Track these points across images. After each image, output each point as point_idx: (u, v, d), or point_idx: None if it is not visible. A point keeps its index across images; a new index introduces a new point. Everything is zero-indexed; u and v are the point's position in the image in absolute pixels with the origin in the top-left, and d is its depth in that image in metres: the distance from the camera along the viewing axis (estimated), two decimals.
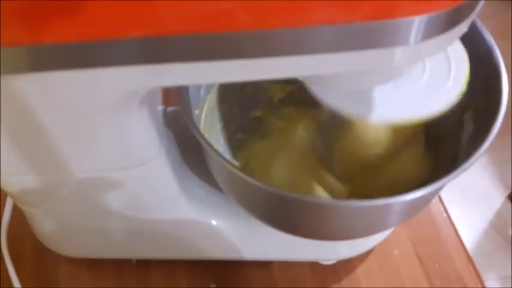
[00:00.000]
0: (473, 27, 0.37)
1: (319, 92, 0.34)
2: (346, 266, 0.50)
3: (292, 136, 0.47)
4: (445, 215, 0.54)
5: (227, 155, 0.48)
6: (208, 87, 0.47)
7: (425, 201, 0.40)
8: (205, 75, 0.26)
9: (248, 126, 0.49)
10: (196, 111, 0.45)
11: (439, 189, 0.34)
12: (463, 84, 0.34)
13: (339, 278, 0.50)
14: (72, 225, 0.44)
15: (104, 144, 0.34)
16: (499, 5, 1.61)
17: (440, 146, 0.43)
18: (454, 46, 0.36)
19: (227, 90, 0.48)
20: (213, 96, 0.47)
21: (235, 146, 0.48)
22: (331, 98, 0.34)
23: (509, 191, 1.29)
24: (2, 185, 0.38)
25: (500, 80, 0.36)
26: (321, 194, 0.43)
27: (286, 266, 0.50)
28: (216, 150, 0.34)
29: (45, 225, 0.45)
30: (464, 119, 0.39)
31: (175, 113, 0.43)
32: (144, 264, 0.50)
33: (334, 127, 0.44)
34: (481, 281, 0.50)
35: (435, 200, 0.54)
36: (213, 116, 0.48)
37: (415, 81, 0.34)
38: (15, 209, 0.47)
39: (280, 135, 0.47)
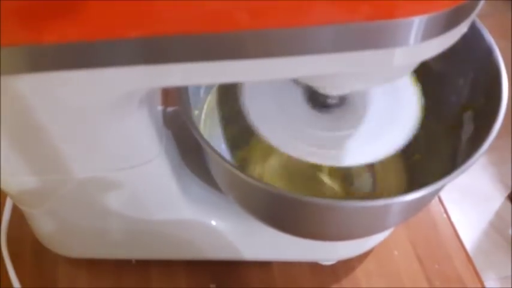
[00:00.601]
0: (473, 28, 0.37)
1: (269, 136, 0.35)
2: (346, 267, 0.50)
3: None
4: (444, 215, 0.54)
5: (226, 155, 0.48)
6: (208, 88, 0.47)
7: (425, 201, 0.40)
8: (205, 76, 0.26)
9: (248, 126, 0.49)
10: (196, 112, 0.45)
11: (439, 189, 0.34)
12: (416, 117, 0.35)
13: (339, 278, 0.50)
14: (72, 226, 0.44)
15: (103, 144, 0.34)
16: (499, 5, 1.61)
17: (440, 146, 0.43)
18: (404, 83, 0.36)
19: (227, 90, 0.48)
20: (212, 96, 0.47)
21: (234, 146, 0.48)
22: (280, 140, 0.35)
23: (509, 191, 1.29)
24: (1, 185, 0.38)
25: (500, 80, 0.36)
26: (322, 192, 0.43)
27: (286, 266, 0.50)
28: (215, 150, 0.34)
29: (45, 226, 0.45)
30: (464, 119, 0.39)
31: (174, 113, 0.43)
32: (144, 265, 0.50)
33: None
34: (481, 281, 0.50)
35: (435, 201, 0.54)
36: (213, 117, 0.48)
37: (363, 120, 0.35)
38: (15, 209, 0.47)
39: None
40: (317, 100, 0.37)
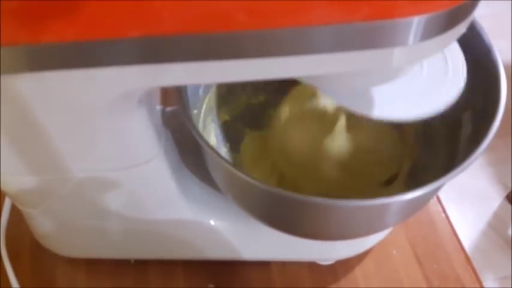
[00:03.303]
0: (471, 28, 0.37)
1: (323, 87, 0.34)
2: (345, 266, 0.50)
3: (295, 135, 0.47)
4: (443, 215, 0.54)
5: (225, 155, 0.48)
6: (207, 87, 0.47)
7: (423, 201, 0.40)
8: (204, 75, 0.26)
9: (247, 126, 0.49)
10: (195, 111, 0.45)
11: (438, 189, 0.34)
12: (461, 82, 0.34)
13: (337, 278, 0.50)
14: (71, 225, 0.44)
15: (103, 144, 0.34)
16: (498, 5, 1.61)
17: (439, 145, 0.43)
18: (450, 47, 0.36)
19: (226, 90, 0.48)
20: (211, 96, 0.47)
21: (234, 145, 0.48)
22: (333, 92, 0.34)
23: (507, 191, 1.29)
24: (1, 185, 0.38)
25: (498, 80, 0.36)
26: (322, 188, 0.43)
27: (285, 266, 0.50)
28: (214, 150, 0.34)
29: (44, 225, 0.45)
30: (462, 119, 0.39)
31: (173, 113, 0.43)
32: (143, 265, 0.50)
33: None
34: (479, 282, 0.50)
35: (433, 200, 0.55)
36: (212, 116, 0.48)
37: (413, 80, 0.34)
38: (14, 209, 0.47)
39: (283, 133, 0.47)
40: None
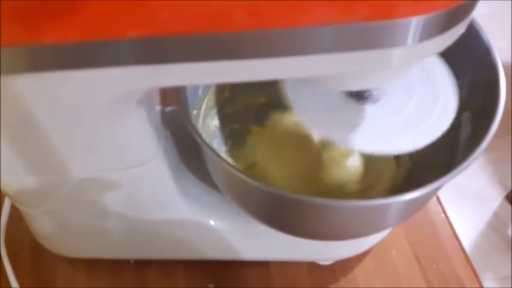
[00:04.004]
0: (471, 28, 0.37)
1: (306, 118, 0.34)
2: (344, 266, 0.50)
3: (294, 135, 0.47)
4: (443, 215, 0.54)
5: (225, 155, 0.48)
6: (206, 87, 0.47)
7: (423, 201, 0.40)
8: (204, 76, 0.26)
9: (247, 125, 0.49)
10: (194, 111, 0.45)
11: (437, 189, 0.34)
12: (451, 114, 0.34)
13: (337, 278, 0.50)
14: (70, 226, 0.44)
15: (102, 144, 0.34)
16: (498, 5, 1.61)
17: (438, 146, 0.43)
18: (439, 69, 0.36)
19: (225, 90, 0.48)
20: (211, 96, 0.47)
21: (233, 145, 0.48)
22: (317, 123, 0.34)
23: (507, 192, 1.29)
24: (0, 185, 0.38)
25: (498, 80, 0.36)
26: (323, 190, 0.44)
27: (284, 266, 0.50)
28: (213, 150, 0.34)
29: (43, 225, 0.45)
30: (462, 119, 0.39)
31: (173, 113, 0.43)
32: (142, 265, 0.50)
33: None
34: (479, 282, 0.50)
35: (433, 200, 0.55)
36: (211, 116, 0.48)
37: (402, 109, 0.34)
38: (14, 210, 0.47)
39: (282, 133, 0.47)
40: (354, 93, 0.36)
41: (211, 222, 0.45)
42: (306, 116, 0.34)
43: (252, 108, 0.49)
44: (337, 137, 0.34)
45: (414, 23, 0.23)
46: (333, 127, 0.34)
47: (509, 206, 1.27)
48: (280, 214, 0.38)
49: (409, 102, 0.35)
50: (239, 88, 0.49)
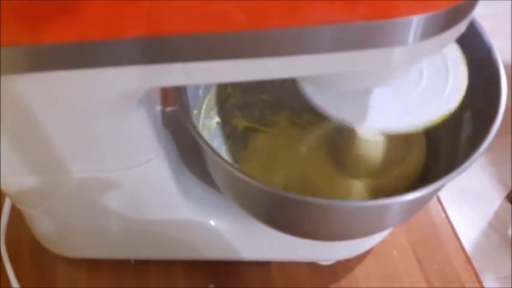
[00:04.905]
0: (471, 28, 0.37)
1: (317, 99, 0.34)
2: (345, 267, 0.50)
3: (296, 134, 0.47)
4: (443, 215, 0.54)
5: (225, 155, 0.48)
6: (207, 87, 0.47)
7: (424, 201, 0.40)
8: (204, 76, 0.26)
9: (247, 125, 0.49)
10: (195, 111, 0.45)
11: (438, 189, 0.34)
12: (461, 91, 0.34)
13: (338, 278, 0.50)
14: (71, 226, 0.44)
15: (103, 144, 0.34)
16: (498, 5, 1.61)
17: (439, 146, 0.43)
18: (452, 53, 0.36)
19: (226, 90, 0.48)
20: (211, 96, 0.47)
21: (233, 145, 0.48)
22: (329, 105, 0.34)
23: (508, 192, 1.29)
24: (0, 185, 0.38)
25: (499, 80, 0.36)
26: (326, 190, 0.43)
27: (285, 266, 0.50)
28: (214, 150, 0.34)
29: (44, 226, 0.45)
30: (463, 119, 0.39)
31: (173, 113, 0.43)
32: (143, 265, 0.50)
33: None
34: (480, 282, 0.50)
35: (434, 201, 0.55)
36: (212, 116, 0.48)
37: (413, 89, 0.34)
38: (14, 210, 0.47)
39: (282, 133, 0.47)
40: None
41: (212, 222, 0.45)
42: (319, 99, 0.34)
43: (253, 107, 0.49)
44: (351, 118, 0.33)
45: (414, 22, 0.23)
46: (346, 109, 0.34)
47: (510, 206, 1.27)
48: (280, 214, 0.38)
49: (419, 82, 0.34)
50: (241, 85, 0.49)
